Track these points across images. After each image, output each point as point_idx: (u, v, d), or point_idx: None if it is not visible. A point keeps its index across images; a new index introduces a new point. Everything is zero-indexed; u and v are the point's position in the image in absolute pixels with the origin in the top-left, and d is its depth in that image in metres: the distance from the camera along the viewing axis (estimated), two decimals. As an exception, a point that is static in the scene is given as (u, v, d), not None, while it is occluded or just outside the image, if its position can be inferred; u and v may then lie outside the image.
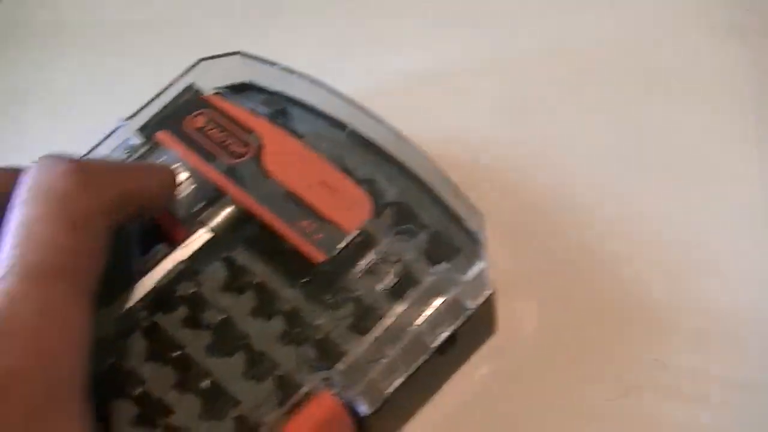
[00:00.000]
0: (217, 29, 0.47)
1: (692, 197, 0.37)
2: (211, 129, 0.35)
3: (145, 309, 0.32)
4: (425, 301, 0.31)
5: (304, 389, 0.30)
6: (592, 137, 0.39)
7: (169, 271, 0.33)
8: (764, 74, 0.40)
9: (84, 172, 0.29)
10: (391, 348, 0.31)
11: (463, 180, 0.33)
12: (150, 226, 0.34)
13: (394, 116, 0.35)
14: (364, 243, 0.32)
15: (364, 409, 0.30)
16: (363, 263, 0.32)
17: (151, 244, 0.34)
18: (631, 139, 0.39)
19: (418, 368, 0.31)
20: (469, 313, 0.32)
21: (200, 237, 0.33)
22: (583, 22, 0.43)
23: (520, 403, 0.34)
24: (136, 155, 0.36)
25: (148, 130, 0.36)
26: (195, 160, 0.34)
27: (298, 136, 0.35)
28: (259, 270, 0.33)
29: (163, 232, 0.34)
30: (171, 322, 0.32)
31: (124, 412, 0.31)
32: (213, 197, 0.34)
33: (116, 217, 0.29)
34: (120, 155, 0.36)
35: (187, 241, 0.33)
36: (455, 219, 0.33)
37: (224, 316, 0.32)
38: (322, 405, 0.30)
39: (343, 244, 0.32)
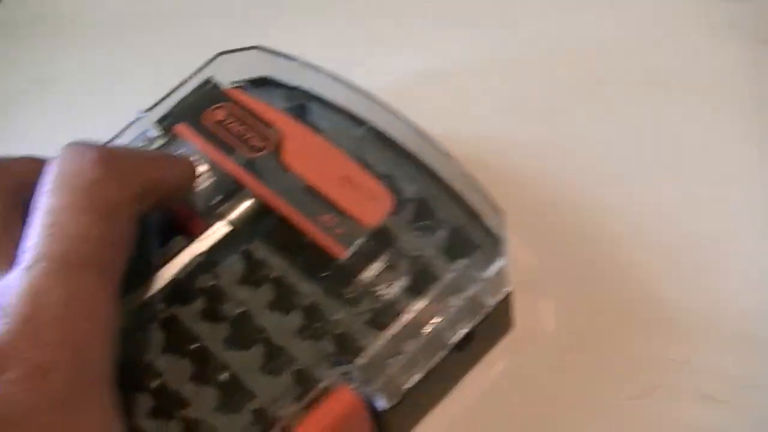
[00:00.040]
0: (216, 29, 0.47)
1: (699, 197, 0.37)
2: (231, 122, 0.35)
3: (162, 301, 0.32)
4: (444, 298, 0.31)
5: (323, 384, 0.30)
6: (592, 137, 0.40)
7: (188, 264, 0.33)
8: (764, 74, 0.40)
9: (111, 161, 0.28)
10: (410, 344, 0.30)
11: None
12: (167, 218, 0.34)
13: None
14: (384, 238, 0.32)
15: (382, 404, 0.30)
16: (383, 259, 0.32)
17: (169, 236, 0.34)
18: (631, 139, 0.39)
19: (437, 364, 0.31)
20: (487, 310, 0.32)
21: (219, 230, 0.33)
22: (583, 22, 0.43)
23: (535, 401, 0.34)
24: (154, 147, 0.36)
25: (166, 122, 0.36)
26: (214, 153, 0.34)
27: (318, 131, 0.35)
28: (278, 264, 0.33)
29: (180, 224, 0.34)
30: (189, 314, 0.32)
31: (141, 403, 0.31)
32: (231, 190, 0.34)
33: (141, 207, 0.29)
34: (139, 146, 0.36)
35: (206, 234, 0.33)
36: (474, 216, 0.33)
37: (242, 310, 0.32)
38: (341, 399, 0.30)
39: (363, 239, 0.32)
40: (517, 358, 0.34)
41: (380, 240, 0.32)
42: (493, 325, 0.33)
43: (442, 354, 0.31)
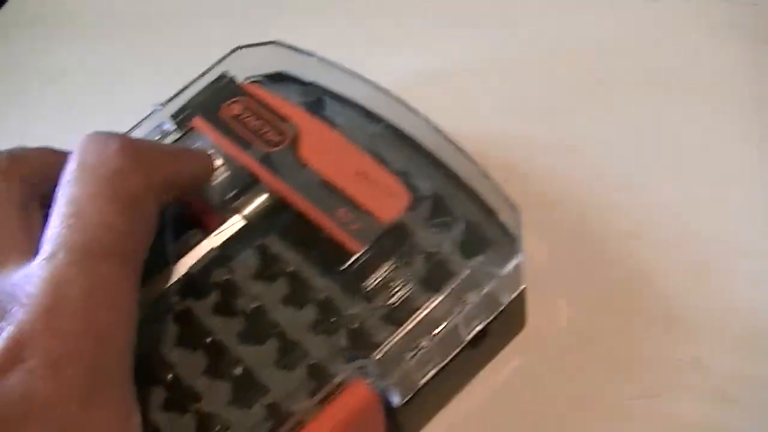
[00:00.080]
0: (216, 29, 0.47)
1: (707, 196, 0.37)
2: (247, 117, 0.35)
3: (177, 294, 0.32)
4: (460, 294, 0.31)
5: (338, 379, 0.30)
6: (592, 137, 0.40)
7: (203, 257, 0.33)
8: (764, 74, 0.40)
9: (134, 151, 0.28)
10: (425, 339, 0.30)
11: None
12: (182, 211, 0.34)
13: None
14: (399, 234, 0.32)
15: (396, 399, 0.30)
16: (398, 254, 0.32)
17: (183, 229, 0.34)
18: (633, 139, 0.39)
19: (451, 360, 0.31)
20: (502, 307, 0.32)
21: (234, 224, 0.33)
22: (583, 22, 0.43)
23: (547, 399, 0.34)
24: (169, 140, 0.36)
25: (182, 116, 0.36)
26: (230, 147, 0.34)
27: (334, 126, 0.35)
28: (293, 258, 0.33)
29: (195, 218, 0.34)
30: (203, 308, 0.32)
31: (154, 396, 0.31)
32: (247, 184, 0.34)
33: (162, 199, 0.29)
34: (156, 139, 0.36)
35: (221, 228, 0.33)
36: (490, 213, 0.33)
37: (257, 304, 0.32)
38: (356, 394, 0.30)
39: (379, 235, 0.32)
40: (529, 356, 0.34)
41: (396, 236, 0.32)
42: (507, 322, 0.33)
43: (456, 350, 0.31)
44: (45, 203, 0.29)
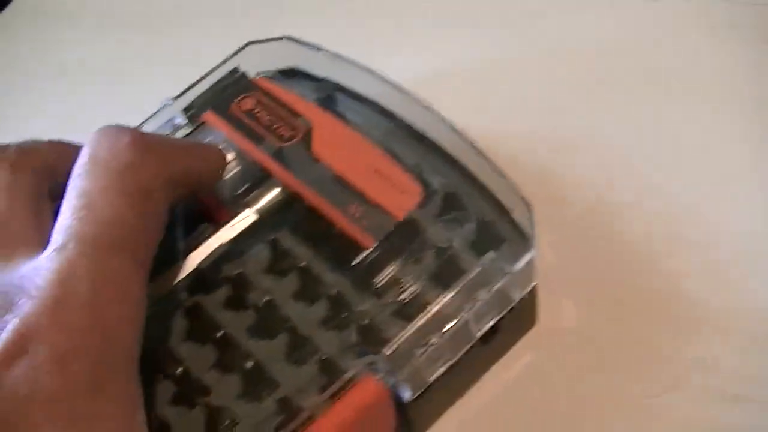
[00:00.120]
0: (216, 29, 0.47)
1: (712, 196, 0.37)
2: (259, 112, 0.35)
3: (188, 288, 0.32)
4: (471, 290, 0.31)
5: (348, 374, 0.30)
6: (593, 137, 0.40)
7: (213, 251, 0.33)
8: (764, 74, 0.40)
9: (146, 145, 0.28)
10: (436, 335, 0.30)
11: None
12: (193, 206, 0.34)
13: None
14: (411, 230, 0.32)
15: (407, 395, 0.30)
16: (410, 250, 0.32)
17: (195, 224, 0.34)
18: (632, 138, 0.39)
19: (461, 357, 0.31)
20: (513, 303, 0.32)
21: (246, 218, 0.33)
22: (583, 22, 0.43)
23: (557, 397, 0.34)
24: (180, 135, 0.36)
25: (193, 110, 0.36)
26: (242, 141, 0.34)
27: (346, 122, 0.35)
28: (304, 253, 0.33)
29: (206, 212, 0.34)
30: (213, 302, 0.32)
31: (164, 390, 0.31)
32: (259, 179, 0.34)
33: (176, 192, 0.29)
34: (167, 133, 0.36)
35: (233, 222, 0.33)
36: (502, 209, 0.33)
37: (267, 299, 0.32)
38: (367, 390, 0.30)
39: (390, 230, 0.32)
40: (540, 353, 0.34)
41: (408, 232, 0.32)
42: (518, 319, 0.33)
43: (467, 347, 0.31)
44: (56, 197, 0.29)
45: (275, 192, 0.33)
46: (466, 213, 0.33)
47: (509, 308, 0.32)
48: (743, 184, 0.37)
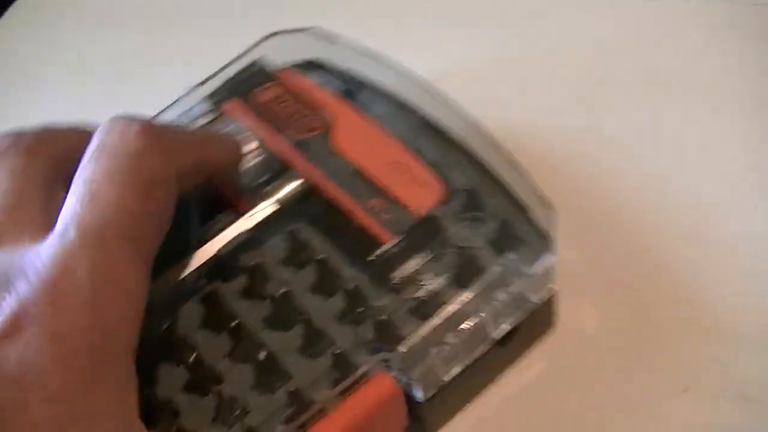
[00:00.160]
0: (216, 29, 0.47)
1: (720, 196, 0.37)
2: (282, 102, 0.35)
3: (205, 276, 0.32)
4: (490, 291, 0.31)
5: (361, 370, 0.30)
6: (595, 137, 0.39)
7: (232, 240, 0.32)
8: (764, 74, 0.40)
9: (155, 135, 0.28)
10: (452, 335, 0.30)
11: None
12: (213, 193, 0.34)
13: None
14: (431, 227, 0.32)
15: (419, 394, 0.30)
16: (429, 247, 0.32)
17: (213, 211, 0.34)
18: (632, 139, 0.39)
19: (476, 358, 0.31)
20: (531, 306, 0.32)
21: (265, 208, 0.33)
22: (582, 23, 0.43)
23: (572, 402, 0.33)
24: (202, 123, 0.36)
25: (216, 98, 0.36)
26: (263, 131, 0.34)
27: (369, 115, 0.35)
28: (322, 246, 0.32)
29: (226, 201, 0.34)
30: (230, 291, 0.32)
31: (175, 377, 0.30)
32: (279, 170, 0.34)
33: (185, 184, 0.29)
34: (186, 122, 0.36)
35: (252, 212, 0.33)
36: (524, 210, 0.33)
37: (284, 290, 0.32)
38: (380, 386, 0.29)
39: (410, 227, 0.31)
40: (557, 358, 0.34)
41: (427, 228, 0.32)
42: (535, 322, 0.33)
43: (483, 348, 0.31)
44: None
45: (296, 183, 0.33)
46: (487, 212, 0.33)
47: (528, 311, 0.31)
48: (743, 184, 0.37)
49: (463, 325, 0.30)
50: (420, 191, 0.32)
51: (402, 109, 0.36)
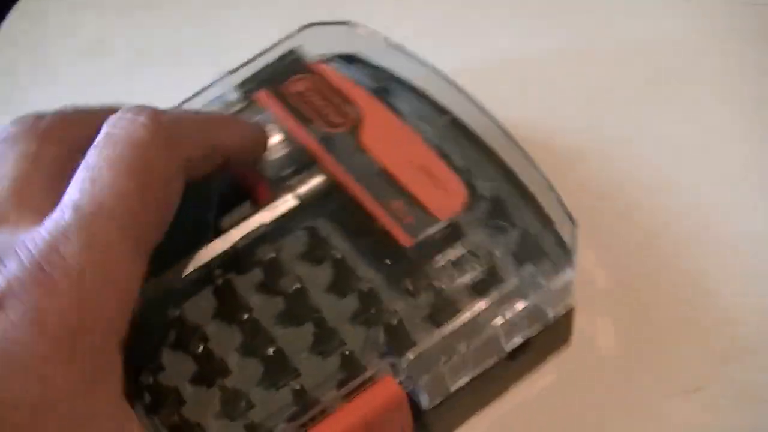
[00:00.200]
0: (239, 14, 0.47)
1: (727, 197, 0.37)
2: (312, 95, 0.34)
3: (221, 267, 0.32)
4: (506, 302, 0.30)
5: (369, 372, 0.29)
6: (600, 141, 0.39)
7: (250, 233, 0.32)
8: (764, 74, 0.40)
9: (161, 124, 0.28)
10: (463, 344, 0.30)
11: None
12: (235, 183, 0.33)
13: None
14: (453, 233, 0.31)
15: (425, 402, 0.30)
16: (449, 254, 0.31)
17: (235, 199, 0.33)
18: (632, 139, 0.39)
19: (486, 370, 0.31)
20: (547, 321, 0.31)
21: (286, 202, 0.33)
22: (582, 23, 0.43)
23: (583, 419, 0.33)
24: (232, 111, 0.35)
25: (246, 87, 0.36)
26: (291, 123, 0.34)
27: (400, 114, 0.34)
28: (341, 244, 0.32)
29: (248, 190, 0.33)
30: (245, 283, 0.32)
31: (183, 366, 0.30)
32: (304, 163, 0.33)
33: (196, 170, 0.29)
34: (215, 109, 0.35)
35: (272, 205, 0.33)
36: (547, 222, 0.32)
37: (298, 286, 0.31)
38: (385, 391, 0.29)
39: (431, 231, 0.31)
40: (568, 375, 0.33)
41: (449, 234, 0.31)
42: (550, 337, 0.32)
43: (493, 360, 0.31)
44: None
45: (319, 179, 0.33)
46: (510, 222, 0.32)
47: (542, 325, 0.31)
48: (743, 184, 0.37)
49: (475, 335, 0.30)
50: (444, 196, 0.32)
51: (434, 110, 0.35)
